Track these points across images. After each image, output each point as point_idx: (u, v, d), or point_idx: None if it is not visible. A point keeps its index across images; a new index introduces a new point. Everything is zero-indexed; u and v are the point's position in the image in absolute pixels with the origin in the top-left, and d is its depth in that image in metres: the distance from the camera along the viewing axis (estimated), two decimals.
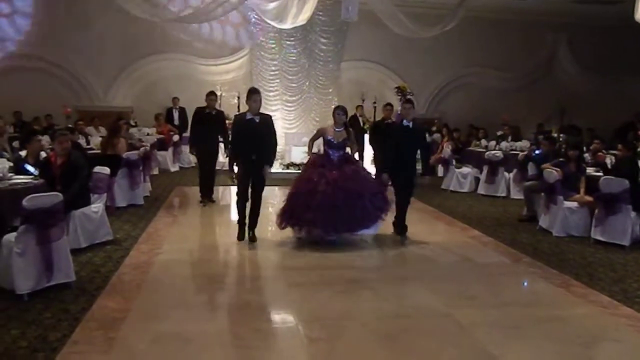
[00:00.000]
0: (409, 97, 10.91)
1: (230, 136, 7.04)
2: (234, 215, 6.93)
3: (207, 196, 7.90)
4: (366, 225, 5.89)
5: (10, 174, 4.99)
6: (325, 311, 4.04)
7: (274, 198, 7.84)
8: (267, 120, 5.89)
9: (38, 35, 11.82)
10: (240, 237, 5.94)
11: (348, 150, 6.13)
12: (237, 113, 6.57)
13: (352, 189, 5.66)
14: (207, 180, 7.88)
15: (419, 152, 6.42)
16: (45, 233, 4.05)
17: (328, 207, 5.54)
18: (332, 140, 5.92)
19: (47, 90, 11.83)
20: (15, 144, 7.73)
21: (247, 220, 5.93)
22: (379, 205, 5.87)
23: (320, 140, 6.26)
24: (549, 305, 4.30)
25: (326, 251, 5.63)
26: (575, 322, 3.98)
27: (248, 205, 5.91)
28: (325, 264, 5.26)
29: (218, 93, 12.13)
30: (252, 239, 5.92)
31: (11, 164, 5.31)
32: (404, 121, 6.22)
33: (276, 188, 8.39)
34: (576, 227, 6.44)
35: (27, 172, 5.25)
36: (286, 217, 5.78)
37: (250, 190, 5.87)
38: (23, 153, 6.08)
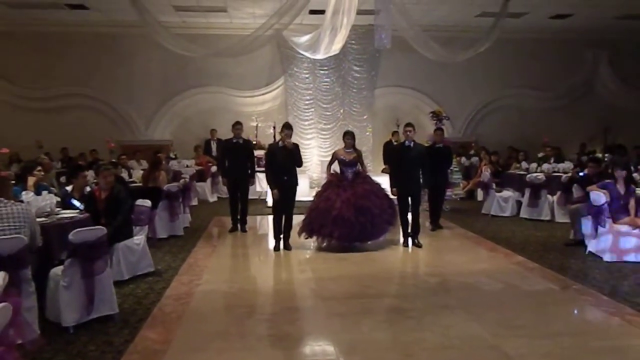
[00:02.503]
0: (445, 120, 10.84)
1: (258, 163, 7.92)
2: (272, 244, 6.98)
3: (237, 224, 8.03)
4: (375, 237, 6.88)
5: (58, 209, 5.17)
6: (366, 342, 3.95)
7: None
8: (295, 148, 7.00)
9: (83, 73, 12.43)
10: (277, 248, 6.88)
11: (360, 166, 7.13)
12: (271, 142, 7.27)
13: (363, 206, 6.62)
14: (237, 208, 8.02)
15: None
16: (90, 266, 4.15)
17: (342, 222, 6.53)
18: (344, 159, 7.03)
19: (92, 126, 12.38)
20: (62, 179, 8.05)
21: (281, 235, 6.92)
22: (387, 219, 6.86)
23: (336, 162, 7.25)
24: (604, 336, 4.07)
25: (366, 280, 5.55)
26: (634, 353, 3.74)
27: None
28: (366, 292, 5.18)
29: (254, 124, 12.46)
30: (287, 247, 6.88)
31: (58, 199, 5.50)
32: (406, 142, 7.07)
33: None
34: (628, 251, 6.12)
35: (73, 207, 5.43)
36: (307, 229, 6.79)
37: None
38: (69, 188, 6.31)
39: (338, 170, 7.18)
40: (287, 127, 7.02)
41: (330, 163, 7.31)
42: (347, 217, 6.53)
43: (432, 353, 3.76)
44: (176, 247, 7.03)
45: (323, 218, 6.63)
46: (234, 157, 7.98)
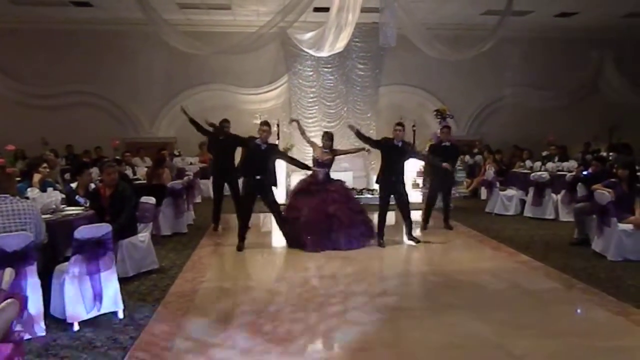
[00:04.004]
0: (448, 119, 10.80)
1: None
2: (275, 242, 6.98)
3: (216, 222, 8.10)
4: (351, 246, 6.69)
5: (63, 206, 5.19)
6: (370, 341, 3.95)
7: None
8: (273, 149, 7.01)
9: (88, 71, 12.46)
10: (240, 248, 6.76)
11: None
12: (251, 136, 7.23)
13: (332, 213, 6.71)
14: (218, 207, 8.06)
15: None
16: (96, 263, 4.16)
17: (312, 227, 6.61)
18: (318, 159, 7.09)
19: (96, 124, 12.43)
20: (67, 176, 8.07)
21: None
22: (363, 232, 6.86)
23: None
24: (609, 335, 4.06)
25: (369, 278, 5.56)
26: (637, 353, 3.73)
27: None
28: (369, 290, 5.17)
29: (257, 122, 12.43)
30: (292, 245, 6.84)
31: (63, 196, 5.52)
32: (395, 140, 6.95)
33: None
34: (633, 250, 6.10)
35: (78, 204, 5.44)
36: (289, 241, 6.85)
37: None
38: (74, 185, 6.32)
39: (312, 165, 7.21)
40: (265, 124, 6.91)
41: (306, 137, 7.39)
42: (316, 223, 6.63)
43: (435, 352, 3.76)
44: (180, 244, 7.05)
45: (297, 227, 6.72)
46: (218, 155, 7.94)
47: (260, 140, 6.79)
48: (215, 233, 7.91)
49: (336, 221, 6.69)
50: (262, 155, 6.76)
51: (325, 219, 6.69)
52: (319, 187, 6.97)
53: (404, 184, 7.11)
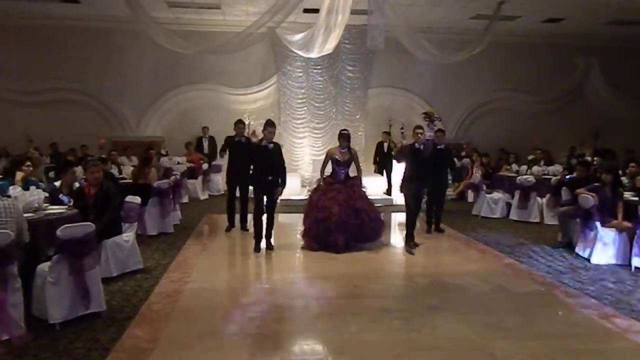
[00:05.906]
0: (437, 121, 10.86)
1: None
2: (264, 244, 6.92)
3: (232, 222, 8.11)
4: (369, 239, 6.88)
5: (46, 204, 5.13)
6: (355, 342, 3.96)
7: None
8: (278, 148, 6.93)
9: (75, 68, 12.32)
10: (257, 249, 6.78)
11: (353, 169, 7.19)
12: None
13: (359, 207, 6.73)
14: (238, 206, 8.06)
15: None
16: (78, 263, 4.12)
17: (345, 227, 6.60)
18: (339, 159, 7.05)
19: (83, 122, 12.28)
20: (51, 174, 7.98)
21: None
22: (378, 228, 6.96)
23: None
24: (588, 338, 4.10)
25: (356, 280, 5.57)
26: (618, 356, 3.78)
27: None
28: (355, 292, 5.19)
29: (246, 122, 12.42)
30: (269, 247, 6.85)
31: (47, 194, 5.46)
32: (416, 144, 6.99)
33: None
34: (615, 254, 6.19)
35: (61, 202, 5.39)
36: (312, 242, 6.76)
37: None
38: (58, 183, 6.26)
39: (330, 170, 7.16)
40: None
41: (325, 163, 7.18)
42: (347, 221, 6.61)
43: (420, 353, 3.77)
44: (166, 244, 7.00)
45: (326, 228, 6.61)
46: (236, 157, 7.83)
47: (266, 140, 6.71)
48: (202, 234, 7.87)
49: (365, 216, 6.72)
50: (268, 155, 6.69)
51: (355, 215, 6.67)
52: (341, 184, 6.92)
53: (423, 190, 7.24)
